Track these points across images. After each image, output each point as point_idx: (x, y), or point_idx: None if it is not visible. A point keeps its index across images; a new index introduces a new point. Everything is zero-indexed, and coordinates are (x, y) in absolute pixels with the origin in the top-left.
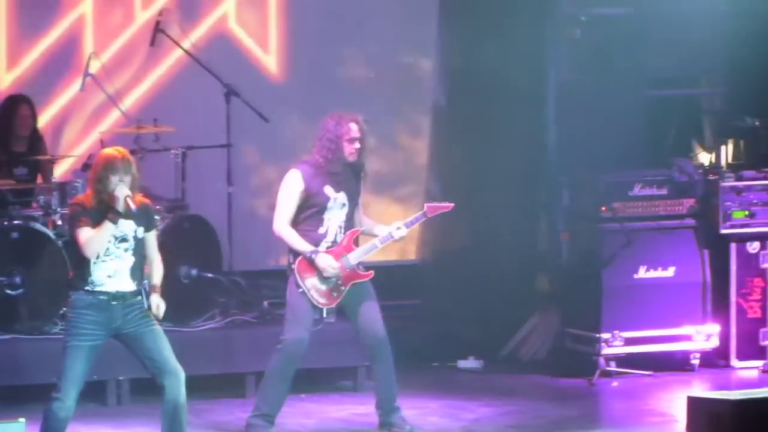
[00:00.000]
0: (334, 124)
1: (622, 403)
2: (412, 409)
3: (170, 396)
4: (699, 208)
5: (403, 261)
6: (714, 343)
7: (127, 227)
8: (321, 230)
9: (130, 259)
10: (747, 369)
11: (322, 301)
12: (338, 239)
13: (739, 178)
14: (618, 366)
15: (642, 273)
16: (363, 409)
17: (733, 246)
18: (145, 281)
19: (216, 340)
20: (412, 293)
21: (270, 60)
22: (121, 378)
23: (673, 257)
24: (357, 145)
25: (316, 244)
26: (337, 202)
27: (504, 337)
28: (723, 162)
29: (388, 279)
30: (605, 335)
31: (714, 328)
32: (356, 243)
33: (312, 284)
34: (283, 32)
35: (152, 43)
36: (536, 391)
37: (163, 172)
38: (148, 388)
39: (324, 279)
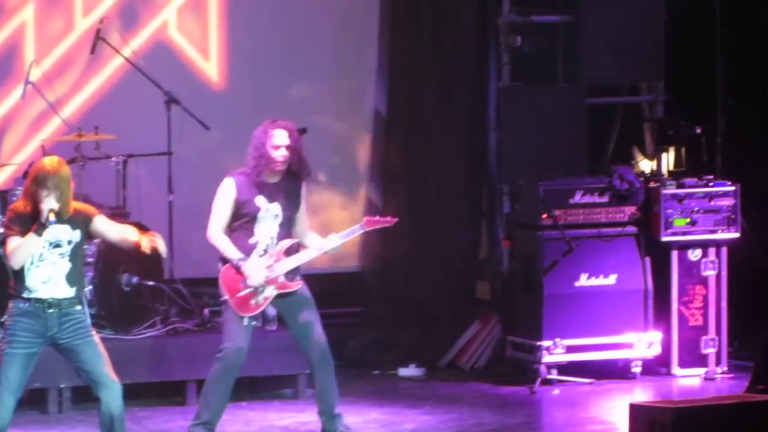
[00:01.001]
0: (261, 131)
1: (563, 411)
2: (353, 417)
3: (106, 408)
4: (640, 216)
5: (344, 268)
6: (655, 350)
7: (62, 233)
8: (251, 240)
9: (65, 265)
10: (688, 377)
11: (243, 308)
12: (269, 250)
13: (681, 186)
14: (559, 374)
15: (583, 281)
16: (304, 416)
17: (674, 253)
18: (86, 289)
19: (156, 348)
20: (353, 301)
21: (210, 68)
22: (62, 386)
23: (615, 265)
24: (283, 152)
25: (247, 253)
26: (269, 213)
27: (445, 345)
28: (664, 169)
29: (329, 286)
30: (546, 343)
31: (655, 335)
32: (289, 253)
33: (235, 292)
34: (223, 40)
35: (93, 51)
36: (477, 399)
37: (104, 179)
38: (89, 396)
39: (249, 287)
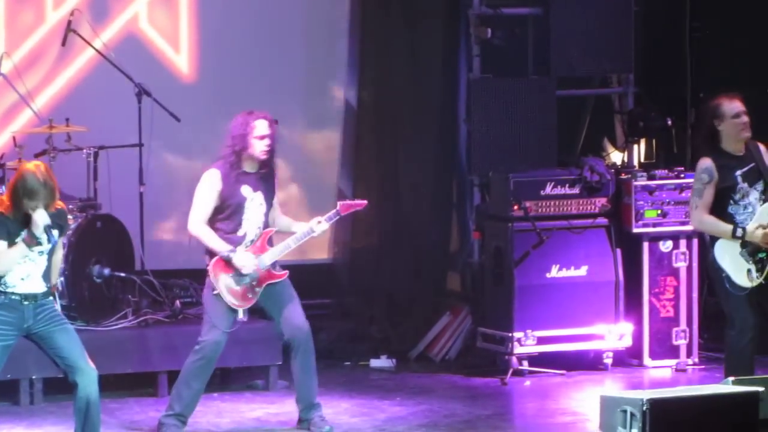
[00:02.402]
0: (241, 121)
1: (534, 402)
2: (325, 408)
3: (82, 393)
4: (611, 208)
5: (315, 260)
6: (627, 342)
7: (39, 220)
8: (240, 232)
9: (43, 264)
10: (659, 368)
11: (236, 302)
12: (255, 240)
13: (651, 177)
14: (530, 365)
15: (554, 272)
16: (275, 407)
17: (645, 245)
18: (58, 281)
19: (128, 339)
20: (324, 292)
21: (181, 60)
22: (33, 377)
23: (586, 256)
24: (267, 141)
25: (235, 245)
26: (254, 203)
27: (416, 337)
28: (635, 161)
29: (300, 278)
30: (518, 334)
31: (627, 327)
32: (270, 243)
33: (226, 285)
34: (194, 32)
35: (64, 43)
36: (448, 390)
37: (75, 171)
38: (60, 387)
39: (239, 279)
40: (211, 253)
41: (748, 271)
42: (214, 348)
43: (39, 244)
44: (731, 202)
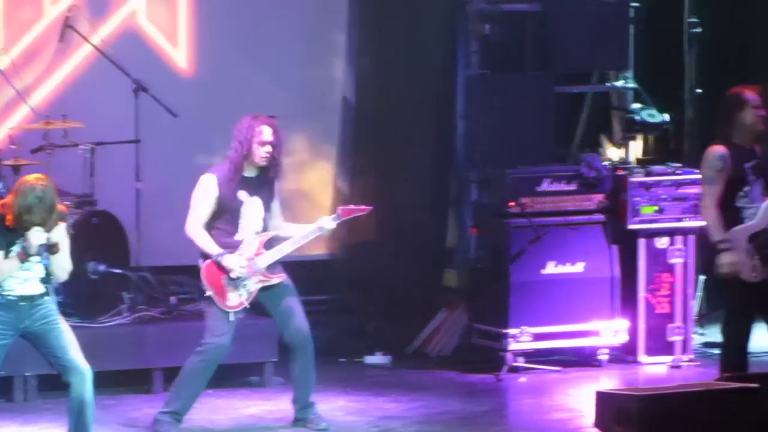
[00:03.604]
0: (246, 126)
1: (529, 398)
2: (320, 404)
3: (76, 393)
4: (608, 204)
5: (312, 256)
6: (622, 338)
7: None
8: (237, 236)
9: (41, 270)
10: (655, 365)
11: (228, 303)
12: (251, 244)
13: (648, 174)
14: (526, 362)
15: (550, 268)
16: (271, 404)
17: (641, 241)
18: (54, 280)
19: (124, 336)
20: (320, 289)
21: (179, 55)
22: (28, 374)
23: (582, 253)
24: (268, 148)
25: (232, 248)
26: (251, 207)
27: (412, 333)
28: (632, 157)
29: (297, 274)
30: (513, 331)
31: (622, 323)
32: (269, 246)
33: (218, 288)
34: (192, 28)
35: (61, 38)
36: (444, 387)
37: (71, 167)
38: (55, 384)
39: (231, 281)
40: (205, 256)
41: (753, 266)
42: (216, 351)
43: (31, 256)
44: (741, 194)
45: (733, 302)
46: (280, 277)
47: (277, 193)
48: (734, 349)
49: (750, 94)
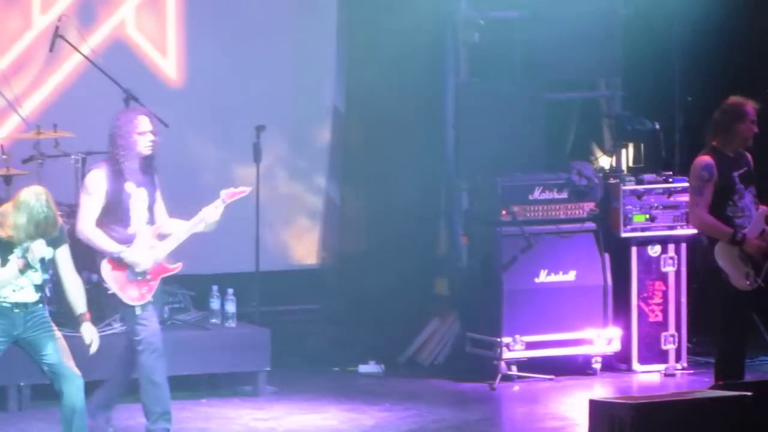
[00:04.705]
0: (124, 120)
1: (523, 407)
2: (313, 414)
3: (68, 401)
4: (599, 212)
5: (304, 265)
6: (615, 347)
7: (39, 252)
8: (130, 229)
9: (37, 277)
10: (648, 373)
11: (133, 296)
12: (145, 236)
13: (640, 182)
14: (519, 370)
15: (543, 277)
16: (263, 413)
17: (633, 250)
18: (48, 284)
19: (116, 346)
20: (313, 298)
21: (168, 65)
22: (22, 384)
23: (574, 261)
24: (150, 137)
25: (127, 242)
26: (139, 199)
27: (404, 342)
28: (623, 166)
29: (288, 284)
30: (506, 339)
31: (615, 332)
32: (161, 237)
33: (121, 283)
34: (181, 37)
35: (51, 48)
36: (437, 396)
37: (62, 177)
38: (49, 393)
39: (134, 275)
40: (101, 254)
41: (747, 273)
42: (155, 338)
43: (31, 268)
44: (730, 203)
45: (727, 310)
46: (177, 267)
47: (158, 184)
48: (730, 357)
49: (750, 108)
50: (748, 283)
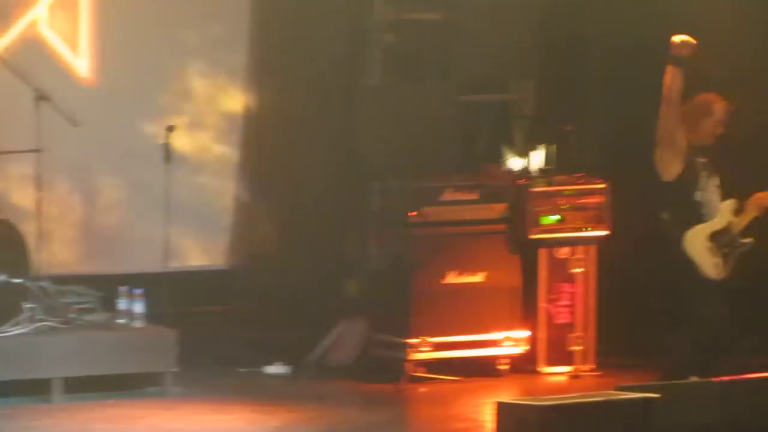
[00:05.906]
0: None
1: (429, 408)
2: (218, 415)
3: None
4: (509, 214)
5: (211, 266)
6: (523, 348)
7: None
8: None
9: None
10: (555, 374)
11: None
12: None
13: (549, 183)
14: (427, 371)
15: (452, 278)
16: (170, 414)
17: (542, 251)
18: None
19: (22, 346)
20: (220, 299)
21: (81, 64)
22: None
23: (483, 262)
24: None
25: None
26: None
27: (312, 343)
28: (534, 167)
29: (196, 284)
30: (413, 341)
31: (523, 333)
32: None
33: None
34: (94, 36)
35: None
36: (343, 397)
37: None
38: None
39: None
40: None
41: (715, 264)
42: None
43: None
44: (698, 189)
45: (696, 301)
46: None
47: None
48: (698, 349)
49: (719, 108)
50: (716, 272)
